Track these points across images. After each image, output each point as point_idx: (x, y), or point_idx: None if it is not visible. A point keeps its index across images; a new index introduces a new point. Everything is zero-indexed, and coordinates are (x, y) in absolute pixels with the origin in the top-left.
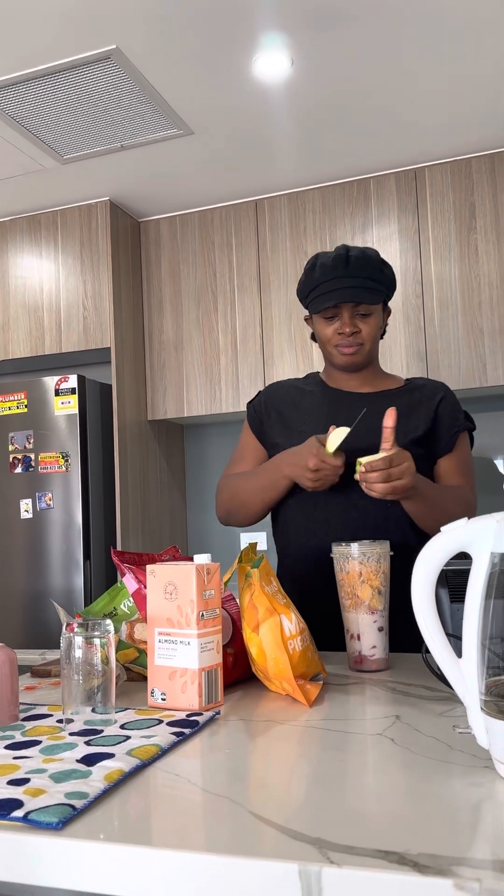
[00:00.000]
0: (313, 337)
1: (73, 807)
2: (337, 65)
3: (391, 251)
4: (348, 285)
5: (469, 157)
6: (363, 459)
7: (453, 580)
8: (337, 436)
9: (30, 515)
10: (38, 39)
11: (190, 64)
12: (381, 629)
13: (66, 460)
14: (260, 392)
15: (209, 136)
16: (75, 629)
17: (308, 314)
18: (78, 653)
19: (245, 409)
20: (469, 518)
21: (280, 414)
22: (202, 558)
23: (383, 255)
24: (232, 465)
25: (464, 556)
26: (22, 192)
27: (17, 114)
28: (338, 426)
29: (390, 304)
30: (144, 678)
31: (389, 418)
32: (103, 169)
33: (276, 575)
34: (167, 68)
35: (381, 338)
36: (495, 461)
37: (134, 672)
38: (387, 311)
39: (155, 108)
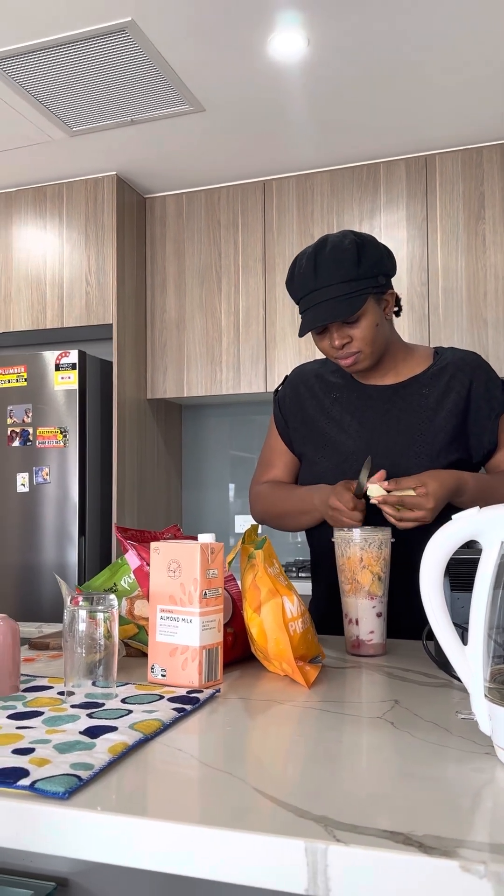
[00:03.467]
0: None
1: (79, 777)
2: (353, 46)
3: (398, 238)
4: (322, 300)
5: (480, 147)
6: (372, 493)
7: (455, 569)
8: (374, 490)
9: (26, 489)
10: (53, 9)
11: (205, 40)
12: (379, 615)
13: (64, 435)
14: (285, 381)
15: (220, 113)
16: (80, 602)
17: None
18: (81, 626)
19: (244, 391)
20: None
21: (305, 422)
22: (206, 537)
23: (390, 242)
24: (262, 470)
25: (468, 546)
26: (29, 163)
27: (28, 84)
28: (364, 438)
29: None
30: (143, 654)
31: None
32: (112, 143)
33: (310, 563)
34: (182, 44)
35: (398, 315)
36: None
37: (132, 648)
38: (387, 295)
39: (167, 83)
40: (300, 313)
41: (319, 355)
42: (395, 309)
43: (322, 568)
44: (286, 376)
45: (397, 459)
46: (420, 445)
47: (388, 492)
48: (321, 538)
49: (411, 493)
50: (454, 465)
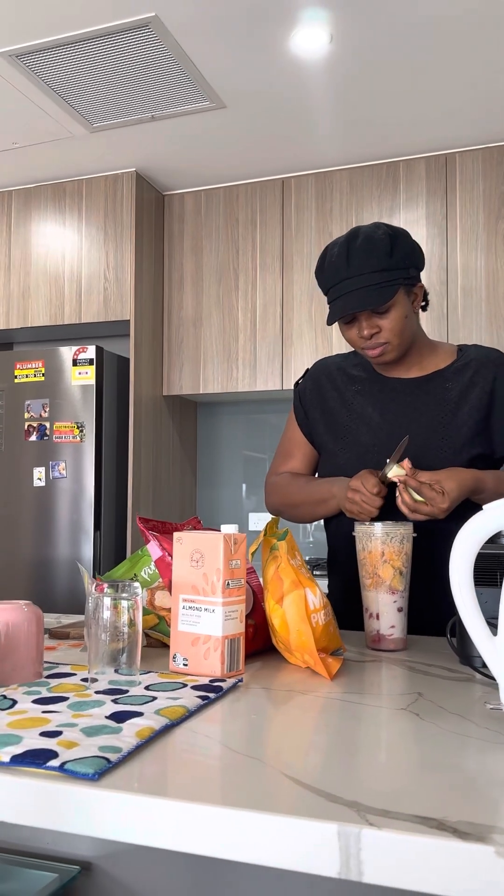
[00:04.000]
0: None
1: (108, 759)
2: (375, 43)
3: (417, 237)
4: (353, 288)
5: (501, 145)
6: (392, 473)
7: (477, 564)
8: (397, 471)
9: (42, 484)
10: (76, 4)
11: (228, 36)
12: (400, 609)
13: (81, 430)
14: (306, 374)
15: (241, 110)
16: (105, 590)
17: None
18: (106, 614)
19: (259, 388)
20: None
21: (325, 413)
22: (229, 528)
23: None
24: (279, 461)
25: (491, 541)
26: (49, 159)
27: (50, 79)
28: (385, 430)
29: None
30: (163, 645)
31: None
32: (132, 139)
33: (327, 558)
34: (205, 40)
35: (424, 309)
36: None
37: (153, 638)
38: (417, 288)
39: (189, 79)
40: (329, 302)
41: (336, 352)
42: (423, 303)
43: (338, 564)
44: (307, 369)
45: (419, 452)
46: (442, 439)
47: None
48: (339, 532)
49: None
50: (476, 460)
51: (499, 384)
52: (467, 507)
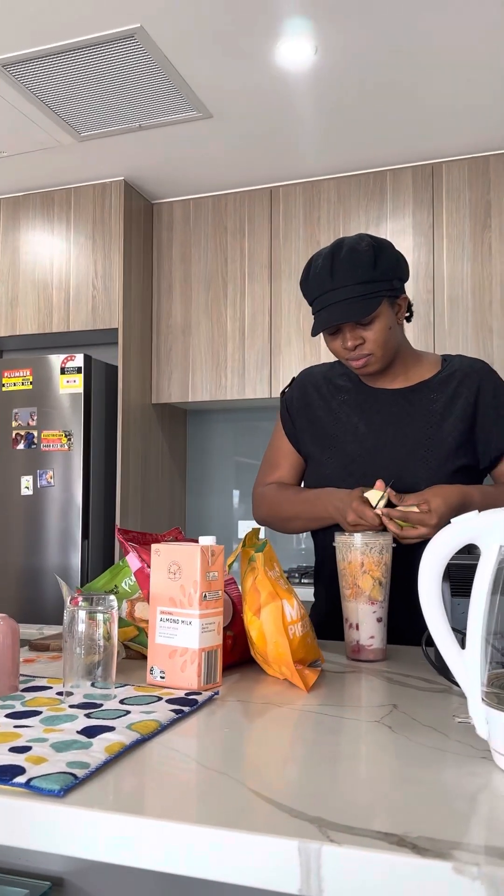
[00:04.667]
0: None
1: (74, 776)
2: (360, 54)
3: (404, 246)
4: (337, 300)
5: (487, 155)
6: (373, 500)
7: (456, 574)
8: (374, 495)
9: (30, 492)
10: (62, 14)
11: (213, 47)
12: (379, 620)
13: (69, 439)
14: (292, 383)
15: (228, 120)
16: (80, 603)
17: None
18: (81, 627)
19: (248, 396)
20: None
21: (311, 422)
22: (207, 540)
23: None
24: (266, 470)
25: (468, 551)
26: (37, 168)
27: (37, 89)
28: (371, 440)
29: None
30: (143, 656)
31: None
32: (120, 148)
33: (314, 568)
34: (190, 50)
35: (409, 320)
36: None
37: (133, 650)
38: (400, 299)
39: (175, 89)
40: (313, 313)
41: (324, 360)
42: (407, 314)
43: (323, 572)
44: (294, 378)
45: (404, 462)
46: (427, 449)
47: (394, 505)
48: (326, 544)
49: (415, 509)
50: (461, 471)
51: (483, 395)
52: None
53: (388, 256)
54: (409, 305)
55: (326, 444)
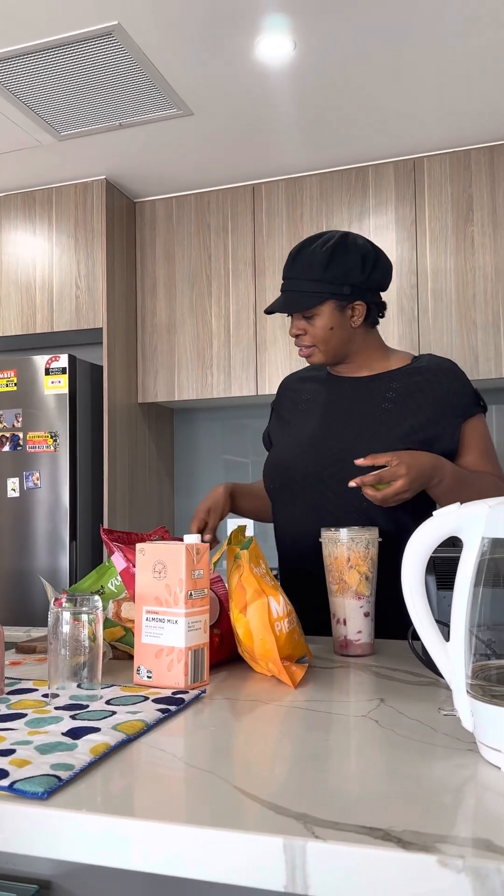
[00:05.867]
0: None
1: (58, 778)
2: (339, 50)
3: (388, 241)
4: (287, 289)
5: (468, 149)
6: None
7: (441, 567)
8: (192, 539)
9: (16, 494)
10: (39, 13)
11: (192, 44)
12: (367, 614)
13: (55, 440)
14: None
15: (209, 117)
16: (64, 604)
17: None
18: (65, 628)
19: (235, 394)
20: None
21: (279, 418)
22: (191, 538)
23: (380, 245)
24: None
25: (452, 544)
26: (17, 168)
27: (15, 88)
28: (326, 423)
29: (385, 295)
30: (130, 656)
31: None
32: (100, 147)
33: (279, 562)
34: (169, 47)
35: (376, 324)
36: None
37: (120, 650)
38: (353, 306)
39: (155, 87)
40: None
41: None
42: (372, 319)
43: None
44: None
45: (351, 442)
46: (374, 433)
47: (368, 468)
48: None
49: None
50: None
51: (444, 391)
52: (429, 508)
53: (346, 261)
54: (381, 309)
55: (285, 431)
